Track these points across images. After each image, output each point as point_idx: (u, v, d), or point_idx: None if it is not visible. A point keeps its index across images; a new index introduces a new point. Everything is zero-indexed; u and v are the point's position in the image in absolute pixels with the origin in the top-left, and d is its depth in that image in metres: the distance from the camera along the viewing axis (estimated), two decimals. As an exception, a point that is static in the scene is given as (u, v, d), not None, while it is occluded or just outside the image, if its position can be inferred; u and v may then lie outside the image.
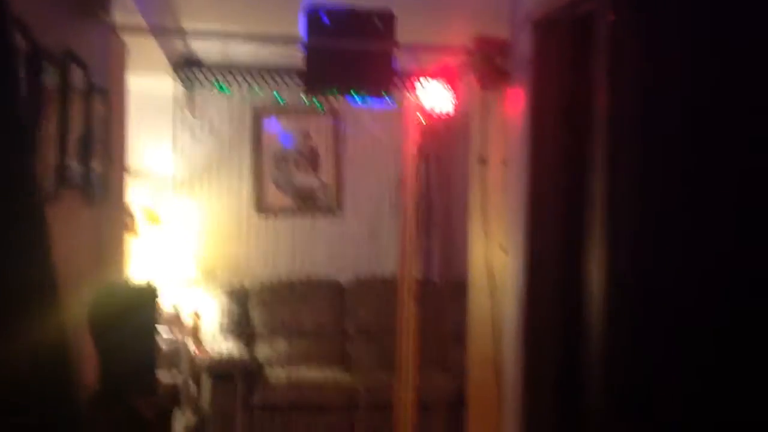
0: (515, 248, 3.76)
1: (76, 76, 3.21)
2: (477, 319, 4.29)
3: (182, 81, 5.47)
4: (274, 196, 6.27)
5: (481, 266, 4.24)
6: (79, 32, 3.42)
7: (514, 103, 3.81)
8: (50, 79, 2.83)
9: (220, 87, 5.02)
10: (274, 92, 5.85)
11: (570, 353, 3.24)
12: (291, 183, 6.29)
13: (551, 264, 3.37)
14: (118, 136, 4.11)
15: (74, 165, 3.20)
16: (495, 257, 4.10)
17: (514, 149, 3.77)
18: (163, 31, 4.47)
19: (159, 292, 3.45)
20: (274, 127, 6.25)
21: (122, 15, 3.89)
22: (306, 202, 6.32)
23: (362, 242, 6.30)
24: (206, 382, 5.32)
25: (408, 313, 4.37)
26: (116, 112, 4.03)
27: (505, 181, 3.93)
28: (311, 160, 6.33)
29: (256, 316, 5.94)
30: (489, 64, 3.99)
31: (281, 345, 5.83)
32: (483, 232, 4.20)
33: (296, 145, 6.30)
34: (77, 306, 2.97)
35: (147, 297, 3.40)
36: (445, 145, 5.13)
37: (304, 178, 6.31)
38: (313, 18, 4.18)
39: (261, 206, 6.23)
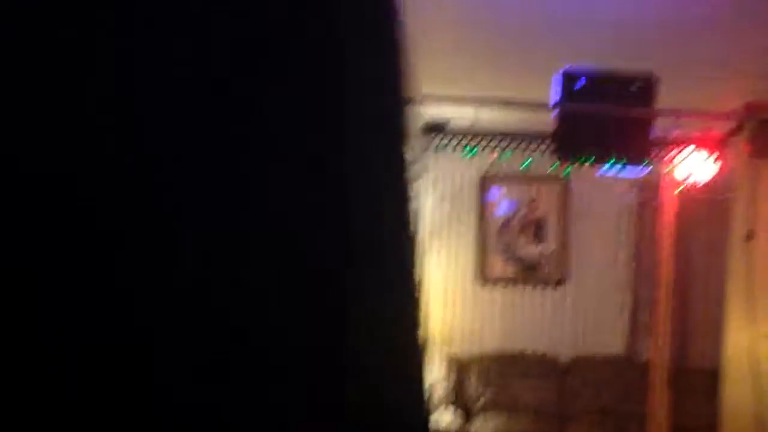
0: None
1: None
2: (733, 409, 3.88)
3: (422, 145, 5.41)
4: (497, 265, 6.08)
5: (741, 353, 3.85)
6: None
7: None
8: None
9: (469, 150, 4.89)
10: (503, 155, 5.68)
11: None
12: (514, 252, 6.09)
13: None
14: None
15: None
16: (760, 344, 3.70)
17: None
18: (412, 98, 4.43)
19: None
20: (499, 194, 6.10)
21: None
22: (529, 272, 6.08)
23: (585, 317, 5.97)
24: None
25: (659, 400, 4.02)
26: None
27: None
28: (536, 229, 6.11)
29: (472, 387, 5.73)
30: (765, 130, 3.68)
31: (497, 420, 5.57)
32: (746, 316, 3.82)
33: (521, 214, 6.10)
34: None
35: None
36: (699, 219, 4.78)
37: (528, 248, 6.09)
38: (569, 81, 4.02)
39: (483, 275, 6.06)
